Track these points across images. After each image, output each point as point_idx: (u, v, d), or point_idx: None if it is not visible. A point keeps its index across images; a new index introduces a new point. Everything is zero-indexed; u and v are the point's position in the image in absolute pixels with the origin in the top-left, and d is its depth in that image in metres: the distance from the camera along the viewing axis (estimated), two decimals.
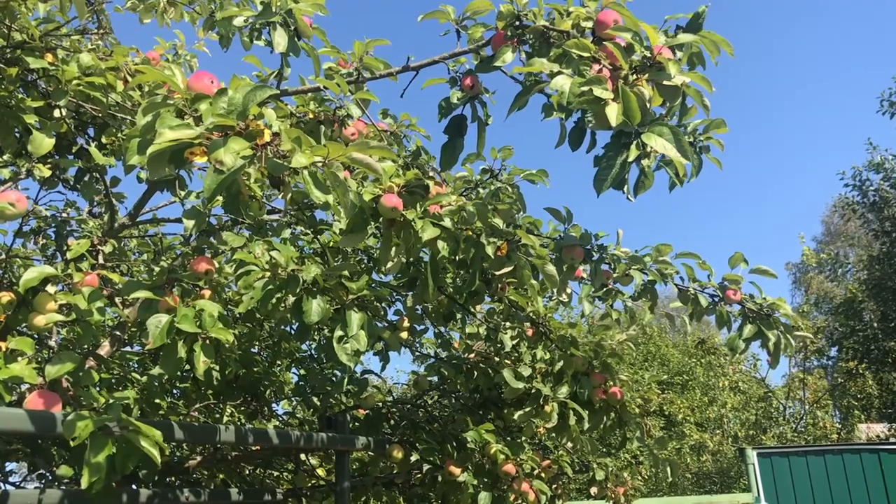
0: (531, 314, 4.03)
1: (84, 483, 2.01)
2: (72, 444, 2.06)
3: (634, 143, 2.01)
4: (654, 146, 1.95)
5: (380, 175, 1.97)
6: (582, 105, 1.94)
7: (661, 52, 2.03)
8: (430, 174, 3.26)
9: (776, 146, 56.62)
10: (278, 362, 5.02)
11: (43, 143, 2.69)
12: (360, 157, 1.78)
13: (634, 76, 2.01)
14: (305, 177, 1.63)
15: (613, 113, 1.87)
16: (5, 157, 3.12)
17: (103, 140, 3.19)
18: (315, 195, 1.64)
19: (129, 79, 3.15)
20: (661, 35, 2.46)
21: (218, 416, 4.75)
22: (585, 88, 1.91)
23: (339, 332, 2.68)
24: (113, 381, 3.60)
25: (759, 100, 57.34)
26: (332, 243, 3.54)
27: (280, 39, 2.48)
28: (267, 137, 1.63)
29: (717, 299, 3.54)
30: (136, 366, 4.28)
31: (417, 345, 5.10)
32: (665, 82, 2.01)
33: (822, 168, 55.06)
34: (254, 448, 4.14)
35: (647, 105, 1.94)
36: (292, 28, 2.54)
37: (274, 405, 5.18)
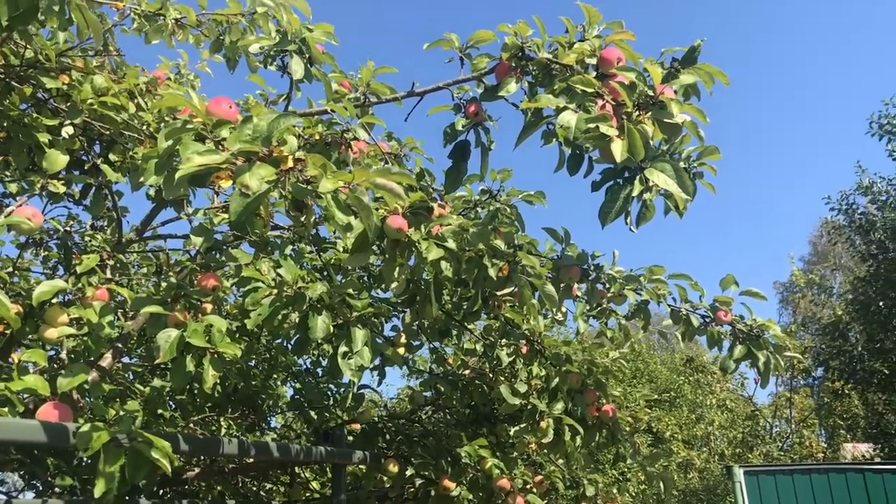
0: (526, 331, 4.11)
1: (97, 493, 2.07)
2: (84, 455, 2.12)
3: (638, 178, 2.10)
4: (657, 182, 2.05)
5: (403, 199, 2.05)
6: (588, 140, 2.03)
7: (663, 91, 2.13)
8: (433, 195, 3.34)
9: (768, 165, 57.09)
10: (274, 375, 5.08)
11: (58, 160, 2.77)
12: (383, 183, 1.87)
13: (637, 113, 2.10)
14: (329, 200, 1.71)
15: (618, 149, 1.97)
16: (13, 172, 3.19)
17: (112, 157, 3.26)
18: (338, 218, 1.72)
19: (138, 97, 3.23)
20: (657, 67, 2.56)
21: (215, 428, 4.80)
22: (591, 125, 2.00)
23: (343, 348, 2.75)
24: (116, 392, 3.66)
25: (753, 117, 57.86)
26: (334, 261, 3.62)
27: (297, 67, 2.57)
28: (290, 163, 1.71)
29: (708, 320, 3.64)
30: (133, 377, 4.33)
31: (411, 360, 5.18)
32: (667, 120, 2.11)
33: (811, 188, 55.56)
34: (250, 461, 4.20)
35: (650, 141, 2.04)
36: (307, 56, 2.63)
37: (269, 418, 5.24)
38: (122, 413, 2.98)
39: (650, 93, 2.17)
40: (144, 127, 3.15)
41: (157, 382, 3.90)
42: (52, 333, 2.67)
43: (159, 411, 3.87)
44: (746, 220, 56.51)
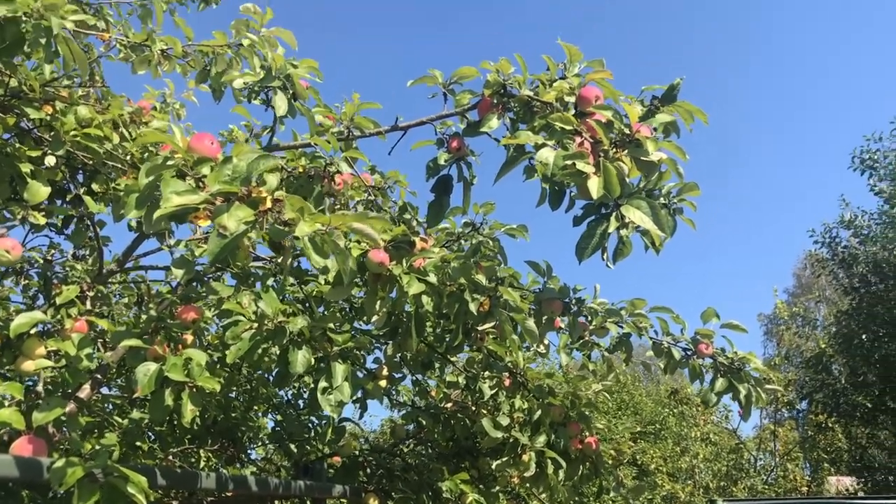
0: (509, 364, 4.11)
1: None
2: (59, 490, 2.10)
3: (614, 214, 2.13)
4: (633, 218, 2.08)
5: (379, 244, 2.06)
6: (565, 177, 2.05)
7: (639, 129, 2.16)
8: (415, 228, 3.36)
9: (752, 197, 57.60)
10: (255, 407, 5.04)
11: (39, 191, 2.76)
12: (359, 227, 1.88)
13: (614, 150, 2.14)
14: (306, 243, 1.72)
15: (595, 186, 2.00)
16: None
17: (94, 187, 3.26)
18: (315, 260, 1.73)
19: (122, 127, 3.24)
20: (637, 105, 2.60)
21: (194, 460, 4.75)
22: (569, 162, 2.03)
23: (323, 384, 2.74)
24: (94, 424, 3.62)
25: (738, 149, 58.47)
26: (316, 293, 3.61)
27: (280, 103, 2.59)
28: (269, 204, 1.72)
29: (689, 353, 3.65)
30: (112, 408, 4.28)
31: (394, 392, 5.15)
32: (643, 158, 2.14)
33: (795, 220, 56.04)
34: (229, 494, 4.15)
35: (626, 178, 2.07)
36: (290, 91, 2.65)
37: (249, 451, 5.18)
38: (98, 447, 2.95)
39: (627, 131, 2.20)
40: (128, 157, 3.16)
41: (136, 414, 3.86)
42: (28, 366, 2.64)
43: (137, 443, 3.82)
44: (732, 251, 56.89)
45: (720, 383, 3.56)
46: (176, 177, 1.92)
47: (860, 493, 14.27)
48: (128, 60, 3.75)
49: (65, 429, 2.90)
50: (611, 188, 2.01)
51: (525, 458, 3.91)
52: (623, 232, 2.30)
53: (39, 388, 2.83)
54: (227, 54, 3.51)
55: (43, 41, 2.49)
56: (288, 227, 1.73)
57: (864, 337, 13.35)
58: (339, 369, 2.75)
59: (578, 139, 2.19)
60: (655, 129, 2.46)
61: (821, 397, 14.13)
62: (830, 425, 14.71)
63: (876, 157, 13.89)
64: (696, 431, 16.22)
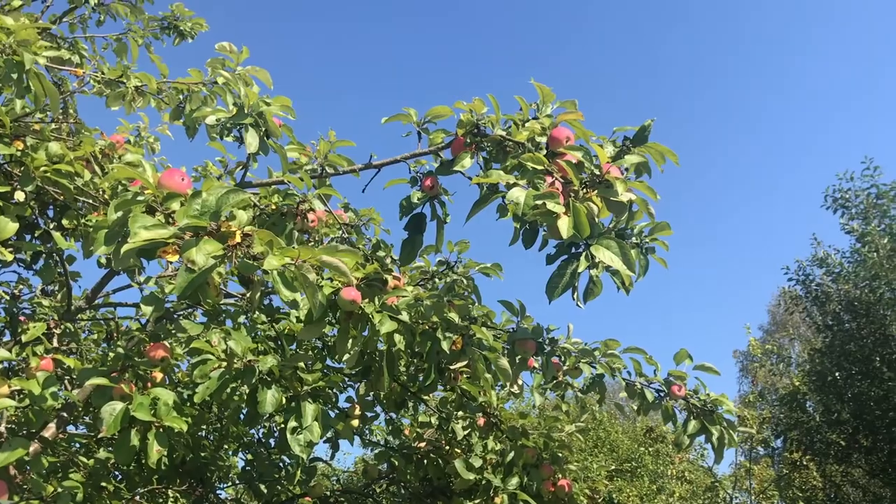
0: (483, 404, 4.08)
1: None
2: None
3: (584, 254, 2.14)
4: (603, 258, 2.09)
5: (349, 279, 2.05)
6: (535, 217, 2.06)
7: (609, 170, 2.18)
8: (389, 266, 3.34)
9: (726, 234, 58.22)
10: (225, 446, 4.95)
11: (7, 227, 2.72)
12: (329, 261, 1.87)
13: (585, 191, 2.15)
14: (275, 277, 1.71)
15: (565, 226, 2.00)
16: None
17: (65, 223, 3.23)
18: (284, 294, 1.72)
19: (94, 162, 3.21)
20: (609, 145, 2.62)
21: (161, 500, 4.65)
22: (539, 202, 2.04)
23: (293, 423, 2.70)
24: (58, 464, 3.53)
25: (710, 185, 59.21)
26: (287, 330, 3.58)
27: (252, 140, 2.58)
28: (238, 238, 1.71)
29: (662, 394, 3.64)
30: (79, 447, 4.19)
31: (367, 431, 5.09)
32: (613, 198, 2.16)
33: (769, 257, 56.62)
34: None
35: (596, 218, 2.08)
36: (263, 129, 2.65)
37: (219, 490, 5.08)
38: (60, 489, 2.88)
39: (597, 171, 2.22)
40: (99, 193, 3.13)
41: (102, 454, 3.78)
42: None
43: (103, 484, 3.74)
44: (708, 287, 57.29)
45: (693, 425, 3.56)
46: (145, 212, 1.90)
47: None
48: (102, 95, 3.74)
49: (28, 469, 2.83)
50: (580, 228, 2.02)
51: (498, 500, 3.87)
52: (593, 272, 2.30)
53: (2, 427, 2.76)
54: (201, 92, 3.51)
55: (15, 76, 2.48)
56: (257, 262, 1.72)
57: (837, 375, 13.42)
58: (310, 409, 2.72)
59: (550, 179, 2.20)
60: (627, 170, 2.48)
61: (795, 435, 14.14)
62: (805, 463, 14.71)
63: (848, 195, 14.10)
64: (671, 470, 16.17)
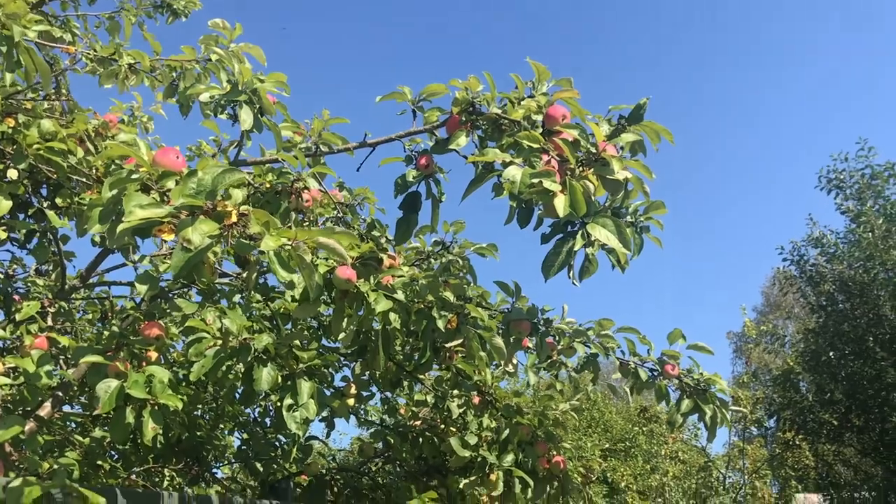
0: (478, 382, 4.09)
1: None
2: None
3: (580, 233, 2.14)
4: (598, 237, 2.09)
5: (345, 260, 2.04)
6: (532, 195, 2.06)
7: (605, 148, 2.17)
8: (384, 245, 3.34)
9: (718, 217, 58.29)
10: (221, 425, 4.97)
11: (0, 204, 2.71)
12: (325, 242, 1.86)
13: (581, 169, 2.14)
14: (272, 257, 1.70)
15: (561, 204, 2.00)
16: None
17: (58, 202, 3.21)
18: (281, 275, 1.71)
19: (87, 141, 3.19)
20: (604, 124, 2.61)
21: (158, 479, 4.66)
22: (536, 180, 2.03)
23: (288, 401, 2.71)
24: (54, 443, 3.54)
25: (705, 165, 59.18)
26: (283, 310, 3.58)
27: (246, 117, 2.57)
28: (234, 218, 1.70)
29: (656, 374, 3.66)
30: (75, 426, 4.20)
31: (362, 411, 5.11)
32: (609, 176, 2.15)
33: (763, 240, 56.73)
34: None
35: (592, 197, 2.08)
36: (257, 106, 2.63)
37: (215, 469, 5.10)
38: (56, 466, 2.88)
39: (593, 150, 2.21)
40: (93, 171, 3.11)
41: (97, 433, 3.78)
42: None
43: (99, 463, 3.75)
44: (703, 267, 57.43)
45: (686, 404, 3.58)
46: (140, 190, 1.89)
47: None
48: (94, 74, 3.71)
49: (23, 447, 2.84)
50: (577, 206, 2.02)
51: (493, 477, 3.89)
52: (589, 250, 2.30)
53: None
54: (195, 69, 3.48)
55: (4, 49, 2.45)
56: (253, 242, 1.71)
57: (830, 355, 13.50)
58: (305, 387, 2.72)
59: (545, 157, 2.19)
60: (622, 148, 2.48)
61: (788, 415, 14.23)
62: (798, 443, 14.83)
63: (842, 176, 14.12)
64: (665, 449, 16.28)
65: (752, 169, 56.87)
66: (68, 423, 4.09)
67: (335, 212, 3.63)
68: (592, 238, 2.14)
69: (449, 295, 2.93)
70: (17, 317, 2.78)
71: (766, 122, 57.53)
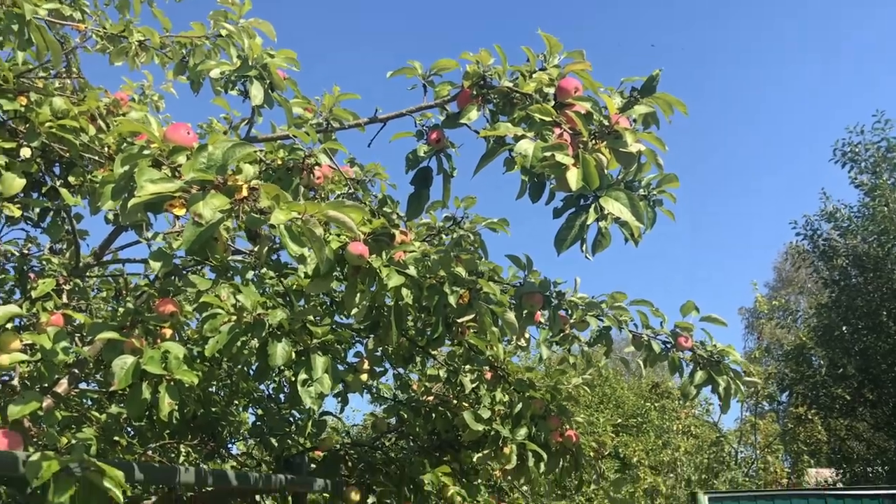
0: (490, 357, 4.11)
1: None
2: (34, 484, 2.07)
3: (593, 206, 2.13)
4: (611, 210, 2.08)
5: (355, 233, 2.04)
6: (544, 168, 2.05)
7: (618, 121, 2.16)
8: (396, 221, 3.34)
9: (730, 192, 57.95)
10: (235, 402, 5.01)
11: (14, 183, 2.72)
12: (335, 215, 1.87)
13: (593, 142, 2.13)
14: (282, 231, 1.71)
15: (574, 178, 1.99)
16: None
17: (71, 180, 3.22)
18: (291, 249, 1.72)
19: (99, 119, 3.20)
20: (616, 96, 2.59)
21: (174, 455, 4.72)
22: (548, 154, 2.03)
23: (303, 376, 2.72)
24: (71, 419, 3.58)
25: (718, 143, 58.78)
26: (296, 286, 3.59)
27: (257, 93, 2.57)
28: (245, 192, 1.70)
29: (669, 346, 3.66)
30: (91, 403, 4.25)
31: (375, 387, 5.14)
32: (622, 149, 2.14)
33: (776, 215, 56.40)
34: (209, 488, 4.12)
35: (605, 170, 2.07)
36: (267, 81, 2.63)
37: (230, 445, 5.15)
38: (74, 441, 2.92)
39: (606, 122, 2.20)
40: (105, 149, 3.12)
41: (114, 409, 3.82)
42: (3, 360, 2.60)
43: (116, 438, 3.79)
44: (715, 243, 57.24)
45: (699, 376, 3.58)
46: (152, 166, 1.90)
47: (839, 485, 14.42)
48: (105, 52, 3.71)
49: (41, 423, 2.87)
50: (590, 180, 2.01)
51: (506, 450, 3.92)
52: (602, 224, 2.29)
53: (15, 382, 2.79)
54: (205, 45, 3.47)
55: (15, 28, 2.45)
56: (264, 216, 1.72)
57: (843, 329, 13.47)
58: (319, 361, 2.74)
59: (558, 130, 2.18)
60: (635, 121, 2.46)
61: (801, 389, 14.24)
62: (810, 417, 14.83)
63: (857, 149, 13.98)
64: (677, 425, 16.31)
65: (761, 136, 56.46)
66: (85, 399, 4.14)
67: (346, 188, 3.63)
68: (605, 211, 2.14)
69: (461, 270, 2.94)
70: (33, 294, 2.80)
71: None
